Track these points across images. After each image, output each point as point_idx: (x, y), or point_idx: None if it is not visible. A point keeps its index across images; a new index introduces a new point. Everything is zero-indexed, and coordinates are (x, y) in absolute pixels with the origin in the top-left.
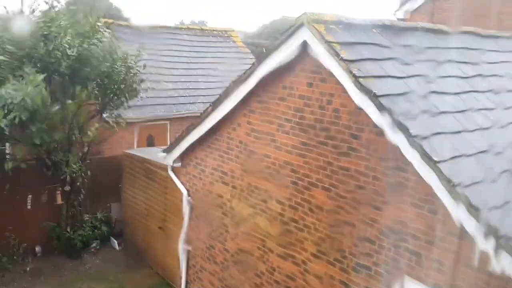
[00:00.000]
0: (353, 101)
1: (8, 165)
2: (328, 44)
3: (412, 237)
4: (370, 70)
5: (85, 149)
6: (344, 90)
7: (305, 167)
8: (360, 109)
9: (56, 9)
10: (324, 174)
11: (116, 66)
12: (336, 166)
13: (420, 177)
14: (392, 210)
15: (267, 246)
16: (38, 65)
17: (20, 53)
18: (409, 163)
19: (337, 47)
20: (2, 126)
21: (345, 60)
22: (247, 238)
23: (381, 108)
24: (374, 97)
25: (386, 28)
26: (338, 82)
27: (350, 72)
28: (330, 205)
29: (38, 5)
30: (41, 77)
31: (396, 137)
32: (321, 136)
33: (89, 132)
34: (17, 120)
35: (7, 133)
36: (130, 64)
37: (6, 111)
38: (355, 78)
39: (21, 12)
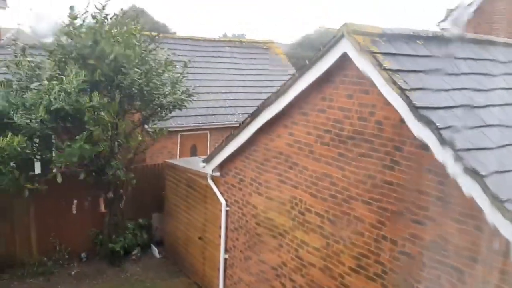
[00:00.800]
0: (395, 113)
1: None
2: (370, 54)
3: (455, 253)
4: (413, 81)
5: (130, 156)
6: (386, 102)
7: (344, 180)
8: (403, 121)
9: (106, 18)
10: (364, 187)
11: (157, 80)
12: (378, 179)
13: (464, 191)
14: (434, 225)
15: (303, 258)
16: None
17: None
18: (453, 177)
19: (379, 58)
20: (43, 117)
21: (387, 71)
22: (283, 250)
23: (424, 121)
24: (416, 110)
25: (430, 39)
26: (379, 94)
27: (394, 83)
28: (371, 218)
29: (86, 15)
30: (83, 73)
31: (440, 151)
32: (362, 148)
33: (134, 139)
34: (60, 109)
35: (53, 140)
36: (176, 77)
37: (50, 106)
38: (401, 90)
39: (73, 20)
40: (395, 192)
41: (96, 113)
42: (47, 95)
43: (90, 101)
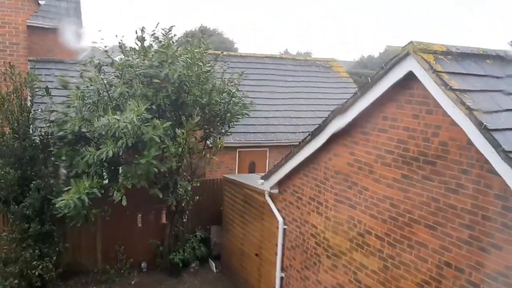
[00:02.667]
0: (462, 134)
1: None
2: (437, 74)
3: None
4: (482, 102)
5: (192, 172)
6: (452, 123)
7: (407, 202)
8: (471, 143)
9: (173, 39)
10: (428, 210)
11: (218, 97)
12: (442, 203)
13: None
14: (501, 253)
15: (361, 282)
16: (151, 88)
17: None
18: None
19: (446, 77)
20: (112, 152)
21: (454, 91)
22: (341, 271)
23: (493, 143)
24: (486, 131)
25: (501, 59)
26: (445, 114)
27: (462, 103)
28: (433, 243)
29: (155, 37)
30: (144, 107)
31: (508, 175)
32: (426, 170)
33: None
34: (123, 145)
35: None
36: (231, 91)
37: (116, 139)
38: (469, 111)
39: (141, 42)
40: (459, 217)
41: (161, 139)
42: (113, 128)
43: (153, 128)
